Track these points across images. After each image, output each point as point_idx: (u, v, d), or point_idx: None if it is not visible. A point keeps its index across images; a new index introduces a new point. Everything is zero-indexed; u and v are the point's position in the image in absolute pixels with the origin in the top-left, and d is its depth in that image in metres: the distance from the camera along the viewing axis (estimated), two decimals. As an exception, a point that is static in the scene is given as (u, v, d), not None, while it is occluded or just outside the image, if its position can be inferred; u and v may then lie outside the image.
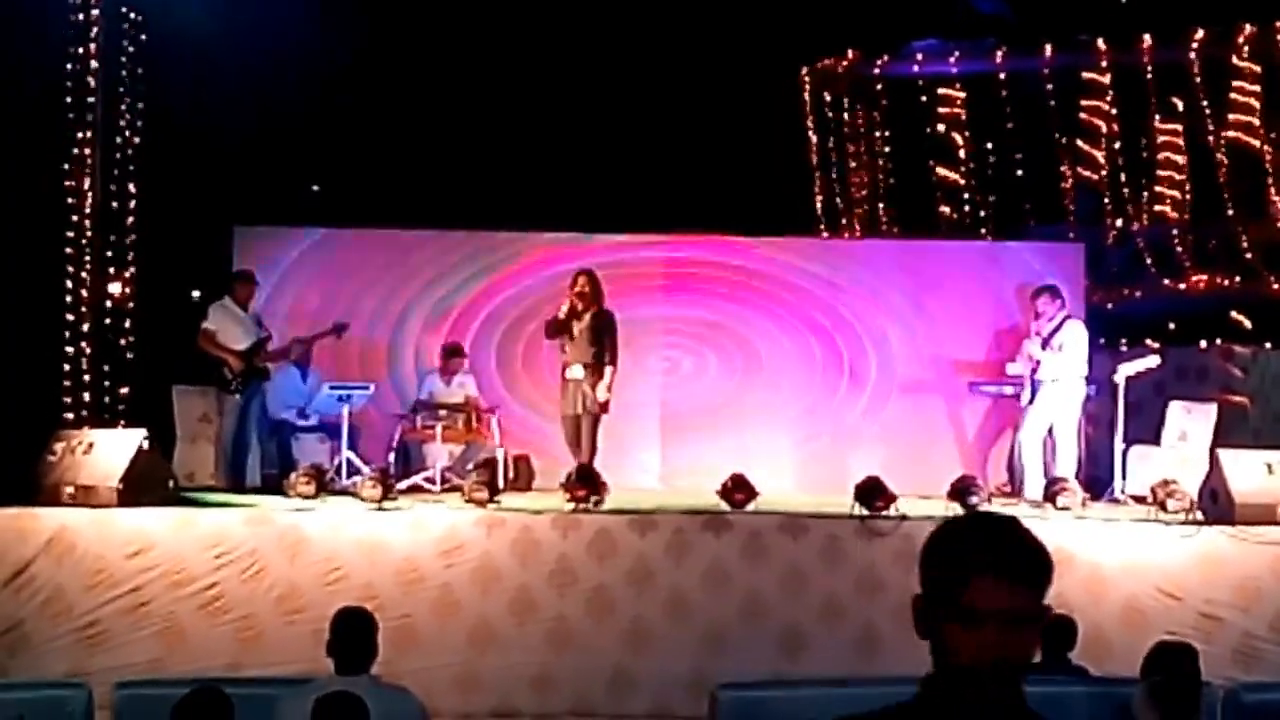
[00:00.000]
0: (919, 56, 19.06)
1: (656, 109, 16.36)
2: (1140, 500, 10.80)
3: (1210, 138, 17.88)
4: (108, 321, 12.86)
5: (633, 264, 13.51)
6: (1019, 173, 18.74)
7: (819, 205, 19.37)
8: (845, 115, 19.63)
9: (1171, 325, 17.01)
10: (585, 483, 10.03)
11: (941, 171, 19.15)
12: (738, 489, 10.00)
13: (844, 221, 19.37)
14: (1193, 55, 17.79)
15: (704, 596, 9.40)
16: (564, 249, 13.53)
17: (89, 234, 12.57)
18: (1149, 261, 17.92)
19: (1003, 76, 18.68)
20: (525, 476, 12.27)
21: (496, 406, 12.42)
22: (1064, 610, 9.07)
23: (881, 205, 19.48)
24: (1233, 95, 17.74)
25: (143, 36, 12.98)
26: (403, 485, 10.94)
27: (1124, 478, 11.41)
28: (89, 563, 9.27)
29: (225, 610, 9.26)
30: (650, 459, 12.96)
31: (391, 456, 11.79)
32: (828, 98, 19.63)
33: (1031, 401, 11.46)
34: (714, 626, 9.37)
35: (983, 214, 18.83)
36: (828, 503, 10.24)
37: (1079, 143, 18.61)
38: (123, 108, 12.98)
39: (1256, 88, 17.68)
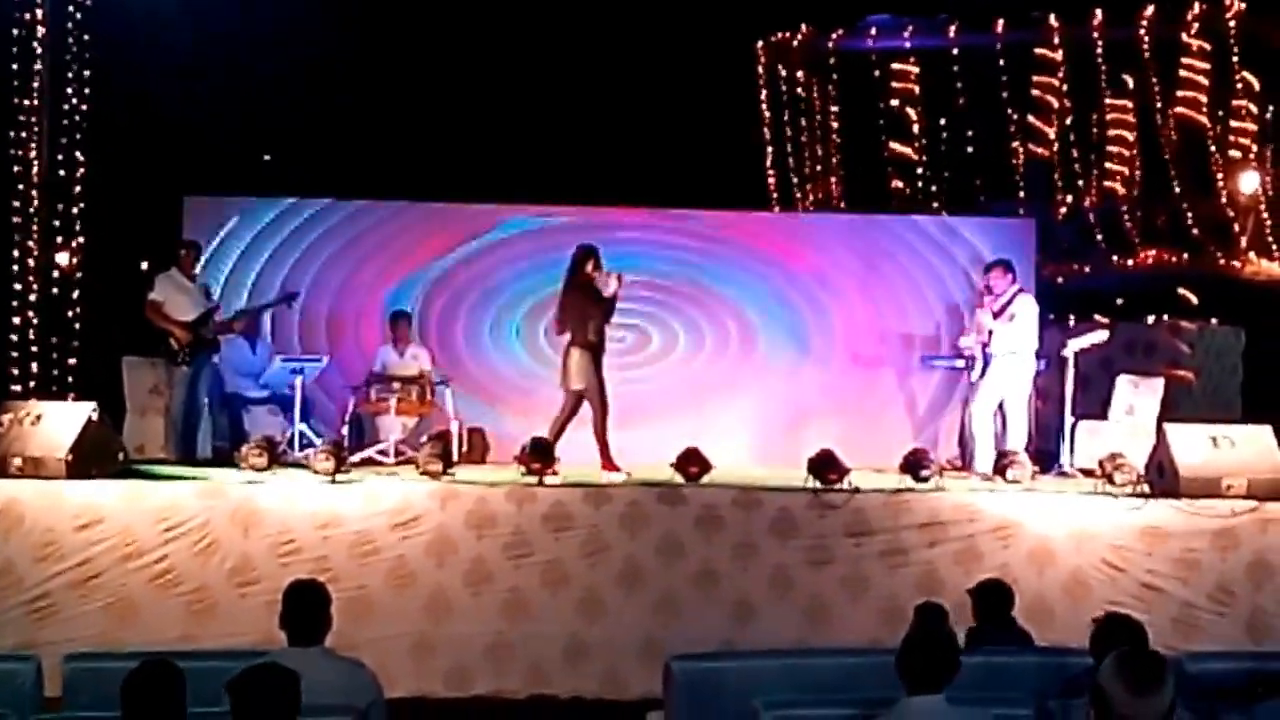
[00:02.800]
0: (873, 31, 19.15)
1: (611, 82, 16.39)
2: (1088, 473, 10.87)
3: (1159, 115, 18.07)
4: (55, 292, 12.81)
5: (586, 238, 13.52)
6: (971, 148, 18.87)
7: (772, 179, 19.43)
8: (799, 89, 19.69)
9: (1120, 300, 17.22)
10: (540, 455, 10.05)
11: (894, 146, 19.27)
12: (691, 462, 10.05)
13: (797, 195, 19.45)
14: (1143, 32, 17.96)
15: (657, 567, 9.47)
16: (516, 220, 13.60)
17: (36, 204, 12.51)
18: (1099, 237, 18.12)
19: (956, 52, 18.79)
20: (479, 449, 12.31)
21: (450, 379, 12.43)
22: (1010, 580, 9.24)
23: (834, 179, 19.57)
24: (1182, 72, 17.94)
25: (88, 2, 12.86)
26: (356, 458, 10.92)
27: (1072, 451, 11.53)
28: (38, 535, 9.22)
29: (177, 583, 9.23)
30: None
31: (345, 429, 11.78)
32: (782, 71, 19.68)
33: (982, 375, 11.55)
34: (667, 597, 9.44)
35: (935, 189, 18.98)
36: (781, 476, 10.31)
37: (1031, 119, 18.78)
38: (70, 76, 12.87)
39: (1205, 65, 17.88)
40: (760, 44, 19.29)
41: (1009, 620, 7.44)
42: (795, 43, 19.37)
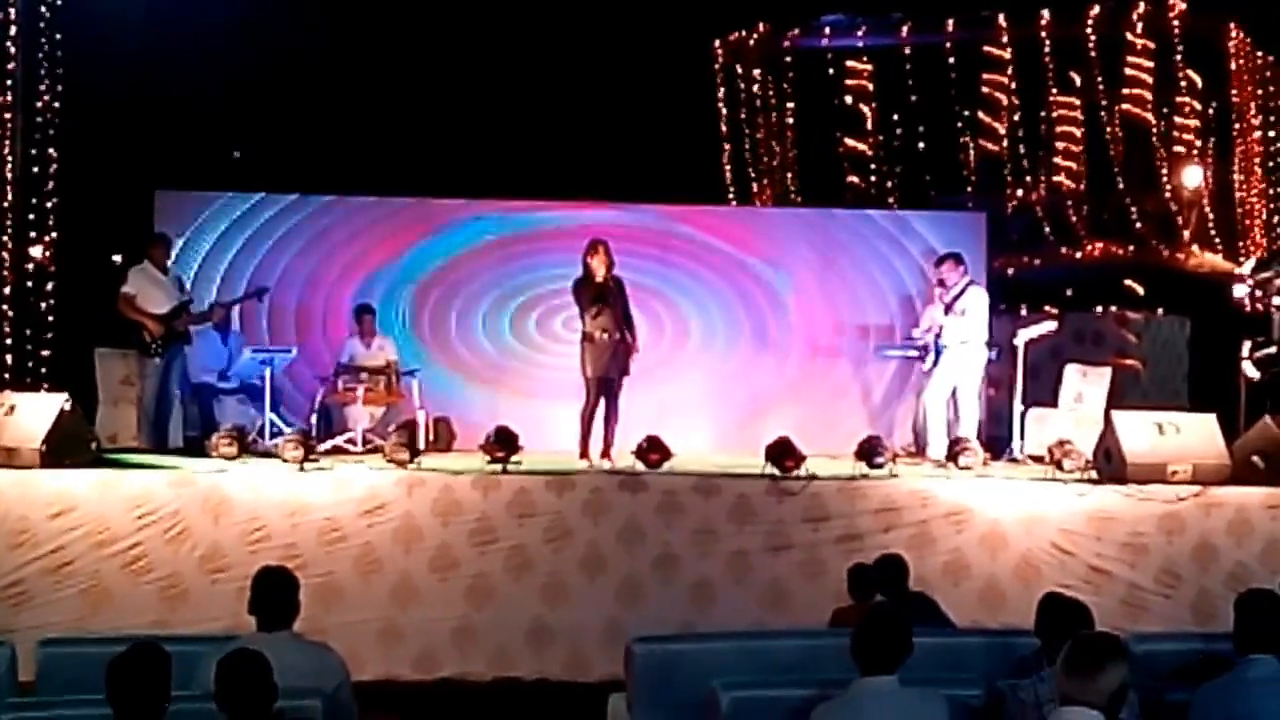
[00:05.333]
0: (827, 30, 19.25)
1: (573, 79, 16.42)
2: (1038, 460, 11.12)
3: (1105, 112, 18.27)
4: (29, 285, 12.84)
5: (548, 231, 13.70)
6: (923, 144, 19.00)
7: (728, 174, 19.52)
8: (755, 87, 19.78)
9: (1069, 292, 17.38)
10: (504, 443, 10.22)
11: (849, 142, 19.37)
12: (652, 450, 10.17)
13: (754, 190, 19.54)
14: (1089, 31, 18.16)
15: (619, 553, 9.63)
16: (480, 215, 13.76)
17: (10, 198, 12.55)
18: (1047, 230, 18.30)
19: (907, 50, 18.93)
20: (445, 438, 12.40)
21: (417, 369, 12.58)
22: (963, 564, 9.47)
23: (790, 175, 19.66)
24: (1127, 70, 18.13)
25: (59, 1, 12.93)
26: (324, 446, 11.04)
27: (1023, 438, 11.76)
28: (12, 523, 9.30)
29: (149, 570, 9.34)
30: (568, 422, 13.17)
31: (313, 419, 11.90)
32: (739, 70, 19.76)
33: (935, 365, 11.71)
34: (628, 581, 9.61)
35: (889, 184, 19.09)
36: (740, 463, 10.44)
37: (980, 115, 18.91)
38: (42, 73, 12.91)
39: (1150, 63, 18.08)
40: (717, 43, 19.35)
41: (905, 590, 7.71)
42: (752, 42, 19.44)
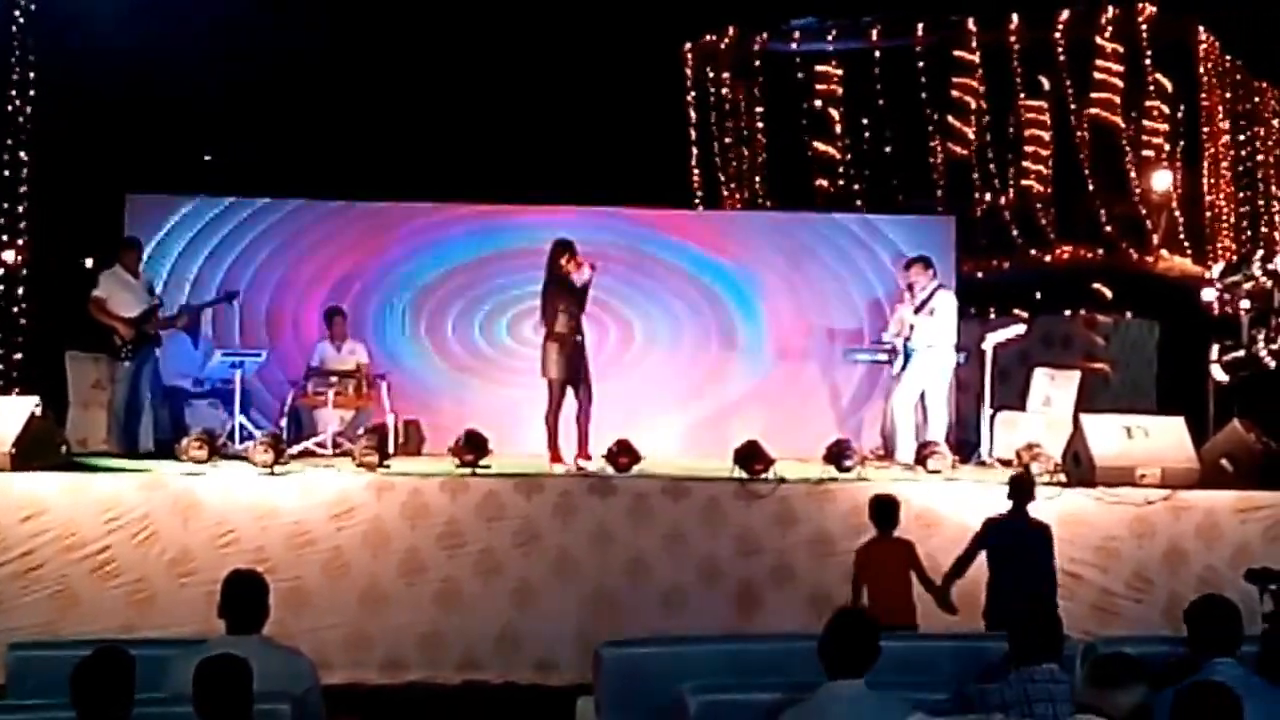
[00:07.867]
0: (796, 34, 19.29)
1: (542, 82, 16.45)
2: (1006, 463, 11.13)
3: (1074, 116, 18.36)
4: (1, 289, 12.82)
5: (516, 235, 13.71)
6: (891, 147, 19.04)
7: (697, 178, 19.53)
8: (725, 90, 19.80)
9: (1037, 295, 17.46)
10: (473, 446, 10.22)
11: (818, 146, 19.40)
12: (622, 453, 10.19)
13: (724, 194, 19.56)
14: (1058, 35, 18.24)
15: (589, 557, 9.63)
16: (449, 219, 13.77)
17: (-19, 202, 12.57)
18: (1016, 234, 18.37)
19: (877, 54, 18.98)
20: (415, 441, 12.43)
21: (386, 373, 12.58)
22: (933, 568, 9.44)
23: (759, 178, 19.68)
24: (1096, 74, 18.21)
25: (32, 6, 12.90)
26: (294, 450, 11.01)
27: (991, 441, 11.80)
28: (-19, 527, 9.26)
29: (118, 573, 9.34)
30: (537, 425, 13.18)
31: (284, 422, 11.89)
32: (708, 73, 19.78)
33: (904, 368, 11.74)
34: (599, 586, 9.61)
35: (857, 187, 19.13)
36: (709, 467, 10.46)
37: (950, 119, 18.97)
38: (14, 76, 12.89)
39: (1119, 66, 18.17)
40: (687, 46, 19.36)
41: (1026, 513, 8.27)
42: (722, 46, 19.46)
